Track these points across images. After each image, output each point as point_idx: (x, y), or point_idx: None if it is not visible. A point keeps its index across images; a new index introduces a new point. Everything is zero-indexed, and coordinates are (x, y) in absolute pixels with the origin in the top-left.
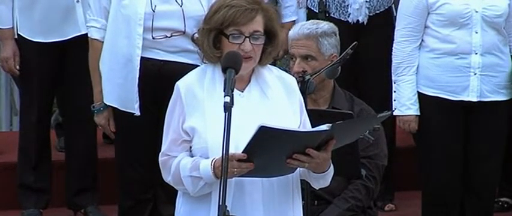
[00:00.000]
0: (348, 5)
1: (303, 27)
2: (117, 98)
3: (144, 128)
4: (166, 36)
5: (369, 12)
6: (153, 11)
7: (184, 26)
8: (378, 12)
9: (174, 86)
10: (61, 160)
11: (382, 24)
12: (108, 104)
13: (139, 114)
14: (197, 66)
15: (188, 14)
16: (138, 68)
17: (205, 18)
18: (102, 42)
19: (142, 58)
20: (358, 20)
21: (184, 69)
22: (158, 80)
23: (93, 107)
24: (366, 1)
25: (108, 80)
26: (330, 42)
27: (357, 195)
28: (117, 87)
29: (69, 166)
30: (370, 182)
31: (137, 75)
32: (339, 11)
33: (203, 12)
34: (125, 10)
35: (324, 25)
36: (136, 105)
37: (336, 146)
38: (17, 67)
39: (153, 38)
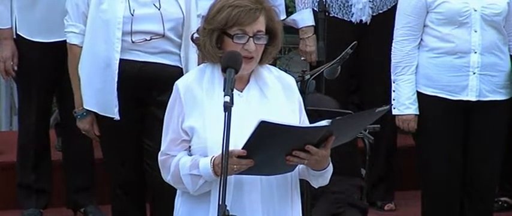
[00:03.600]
0: (351, 5)
1: None
2: (97, 103)
3: (127, 130)
4: (146, 40)
5: (372, 12)
6: (132, 15)
7: (163, 29)
8: (381, 11)
9: (154, 87)
10: (61, 160)
11: (386, 24)
12: (88, 109)
13: (119, 118)
14: (177, 67)
15: (166, 16)
16: (117, 72)
17: (206, 18)
18: (81, 47)
19: (122, 60)
20: (361, 20)
21: (164, 70)
22: (138, 81)
23: (75, 112)
24: (369, 1)
25: (87, 85)
26: None
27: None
28: (96, 92)
29: (67, 166)
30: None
31: (116, 79)
32: (342, 10)
33: (181, 15)
34: (104, 15)
35: None
36: (116, 110)
37: (336, 144)
38: (15, 68)
39: (133, 42)
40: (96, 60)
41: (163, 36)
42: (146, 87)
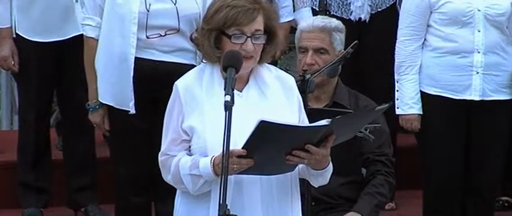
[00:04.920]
0: (350, 3)
1: (315, 20)
2: (113, 97)
3: (138, 128)
4: (161, 35)
5: (371, 10)
6: (148, 10)
7: (179, 24)
8: (380, 9)
9: (169, 85)
10: (61, 159)
11: (385, 21)
12: (103, 102)
13: (134, 112)
14: (192, 65)
15: (182, 12)
16: (133, 66)
17: (205, 18)
18: (97, 40)
19: (137, 58)
20: (360, 18)
21: (179, 69)
22: (153, 80)
23: (88, 105)
24: None
25: (103, 78)
26: (340, 38)
27: (383, 191)
28: (112, 86)
29: (68, 165)
30: (391, 177)
31: (132, 74)
32: (341, 9)
33: (198, 10)
34: (119, 9)
35: (335, 20)
36: (131, 103)
37: (336, 142)
38: (16, 66)
39: (148, 37)
40: (112, 55)
41: (178, 31)
42: (160, 86)
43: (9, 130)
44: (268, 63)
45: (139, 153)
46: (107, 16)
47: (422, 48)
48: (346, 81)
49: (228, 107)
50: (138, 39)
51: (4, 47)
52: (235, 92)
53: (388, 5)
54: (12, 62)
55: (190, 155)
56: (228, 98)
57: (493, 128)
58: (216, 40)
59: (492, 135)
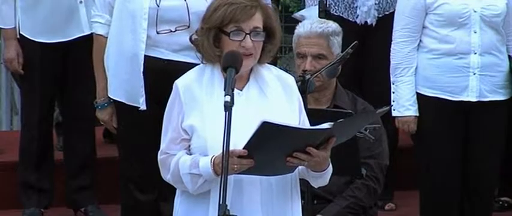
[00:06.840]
0: (356, 7)
1: (313, 26)
2: (124, 93)
3: (146, 126)
4: (171, 31)
5: (378, 14)
6: (158, 6)
7: (189, 19)
8: (387, 13)
9: None
10: (62, 159)
11: (390, 25)
12: (114, 98)
13: (145, 108)
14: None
15: (192, 8)
16: (143, 62)
17: (204, 18)
18: (107, 37)
19: (146, 56)
20: (366, 22)
21: (188, 68)
22: (161, 79)
23: (96, 102)
24: (375, 3)
25: (115, 75)
26: (338, 41)
27: (357, 195)
28: (123, 82)
29: (68, 165)
30: (372, 181)
31: (142, 70)
32: (348, 11)
33: None
34: (130, 5)
35: (332, 24)
36: (142, 99)
37: (335, 143)
38: (20, 69)
39: (158, 33)
40: (123, 51)
41: (188, 27)
42: (169, 85)
43: (9, 130)
44: (268, 63)
45: (147, 151)
46: (117, 13)
47: (418, 50)
48: (348, 81)
49: (228, 107)
50: (148, 35)
51: (9, 49)
52: (236, 90)
53: (395, 8)
54: (18, 64)
55: (190, 154)
56: (228, 98)
57: (489, 128)
58: (215, 38)
59: (489, 135)
